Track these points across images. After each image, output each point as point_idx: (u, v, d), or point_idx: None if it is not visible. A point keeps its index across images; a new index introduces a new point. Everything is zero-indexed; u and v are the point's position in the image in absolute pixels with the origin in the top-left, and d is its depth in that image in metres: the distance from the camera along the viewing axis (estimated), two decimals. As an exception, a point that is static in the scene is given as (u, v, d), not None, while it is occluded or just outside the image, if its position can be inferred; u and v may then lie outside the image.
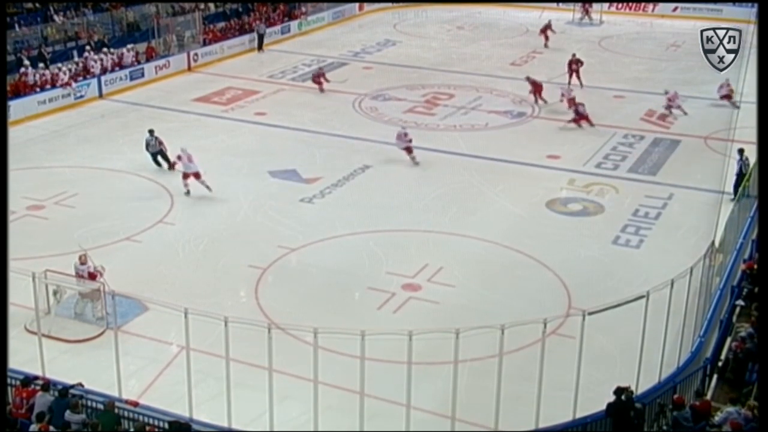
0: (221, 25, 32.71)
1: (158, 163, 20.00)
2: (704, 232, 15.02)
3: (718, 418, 9.68)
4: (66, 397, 10.12)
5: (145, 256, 15.60)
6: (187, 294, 13.48)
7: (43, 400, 10.11)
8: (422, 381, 10.80)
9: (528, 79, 25.90)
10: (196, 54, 30.15)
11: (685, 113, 24.39)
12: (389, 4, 40.34)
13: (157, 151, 19.95)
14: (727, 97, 24.60)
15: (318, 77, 27.04)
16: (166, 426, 9.97)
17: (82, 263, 13.78)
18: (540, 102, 25.57)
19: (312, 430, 10.36)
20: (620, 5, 40.34)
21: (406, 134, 20.77)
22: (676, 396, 10.31)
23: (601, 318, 10.66)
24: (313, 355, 10.13)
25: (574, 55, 27.80)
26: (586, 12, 38.74)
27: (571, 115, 23.64)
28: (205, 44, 30.99)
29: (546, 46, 33.25)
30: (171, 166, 19.71)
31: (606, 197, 18.96)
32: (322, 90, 26.83)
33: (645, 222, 17.57)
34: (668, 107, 24.64)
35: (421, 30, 37.06)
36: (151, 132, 20.03)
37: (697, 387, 11.15)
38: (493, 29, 36.96)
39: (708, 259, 11.98)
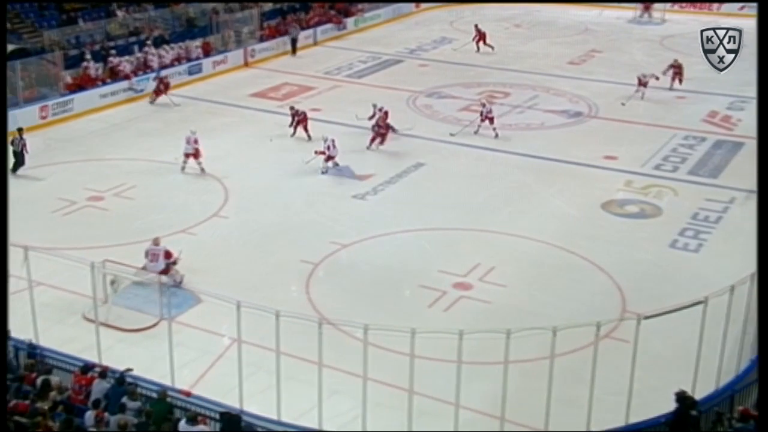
0: (278, 21, 32.96)
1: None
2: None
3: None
4: (123, 384, 10.32)
5: (199, 248, 15.82)
6: (240, 287, 13.62)
7: (99, 387, 10.32)
8: (472, 380, 10.71)
9: (476, 27, 31.27)
10: (253, 50, 30.48)
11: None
12: (445, 3, 40.15)
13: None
14: None
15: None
16: (217, 416, 10.10)
17: (156, 244, 14.11)
18: (482, 48, 30.47)
19: (360, 426, 10.36)
20: (684, 3, 39.41)
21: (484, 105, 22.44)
22: (741, 408, 9.98)
23: (657, 323, 10.43)
24: (363, 352, 10.12)
25: (675, 60, 26.94)
26: (647, 10, 37.98)
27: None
28: (262, 40, 31.30)
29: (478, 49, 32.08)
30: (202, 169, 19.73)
31: (664, 200, 18.56)
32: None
33: (705, 226, 17.14)
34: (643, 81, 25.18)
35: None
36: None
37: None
38: (551, 27, 36.50)
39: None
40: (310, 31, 33.25)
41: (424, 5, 39.82)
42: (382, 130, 21.26)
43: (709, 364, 10.95)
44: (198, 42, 29.21)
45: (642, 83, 25.37)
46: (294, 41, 31.69)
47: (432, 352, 10.94)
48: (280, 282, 14.77)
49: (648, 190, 18.99)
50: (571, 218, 17.64)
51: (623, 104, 24.90)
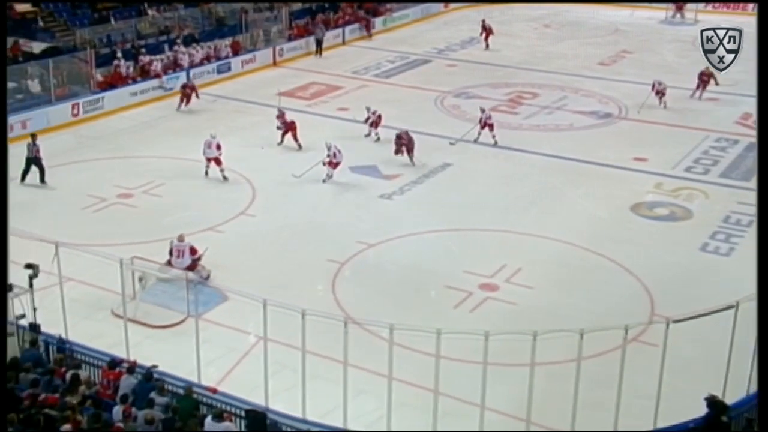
0: (306, 21, 33.07)
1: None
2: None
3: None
4: (150, 380, 10.41)
5: (226, 246, 15.90)
6: (266, 285, 13.67)
7: (127, 383, 10.42)
8: (497, 382, 10.64)
9: (483, 22, 32.10)
10: (281, 49, 30.61)
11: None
12: (474, 3, 40.01)
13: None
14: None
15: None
16: (243, 414, 10.15)
17: (180, 240, 14.24)
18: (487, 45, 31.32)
19: (385, 426, 10.35)
20: (717, 4, 38.85)
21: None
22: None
23: (687, 327, 10.28)
24: (389, 351, 10.11)
25: (707, 67, 26.17)
26: (680, 10, 37.52)
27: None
28: (290, 39, 31.43)
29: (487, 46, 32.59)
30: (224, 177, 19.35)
31: (695, 202, 18.33)
32: None
33: (736, 229, 16.89)
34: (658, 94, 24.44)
35: (507, 28, 36.55)
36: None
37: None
38: (581, 27, 36.20)
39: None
40: (338, 31, 33.32)
41: (452, 5, 39.72)
42: (403, 141, 20.19)
43: (739, 370, 10.77)
44: (227, 41, 29.41)
45: (658, 91, 24.51)
46: (319, 42, 31.58)
47: (457, 353, 10.90)
48: (306, 281, 14.80)
49: (678, 193, 18.76)
50: (600, 220, 17.48)
51: (638, 112, 24.20)
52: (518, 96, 26.39)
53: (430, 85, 27.38)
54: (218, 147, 19.20)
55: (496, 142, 21.54)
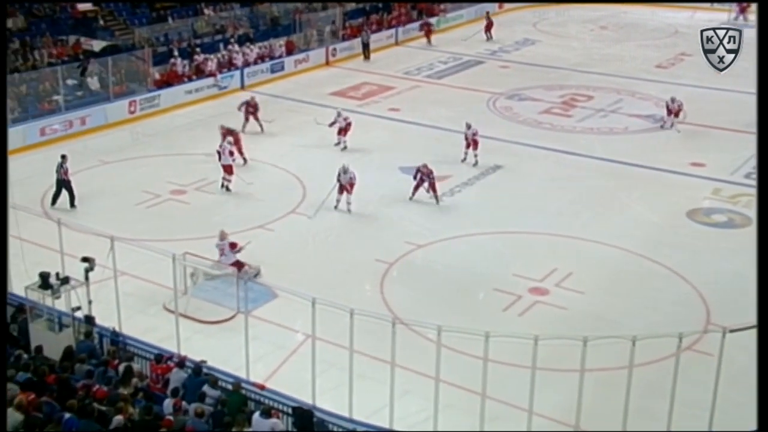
0: (360, 20, 33.17)
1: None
2: None
3: None
4: (200, 375, 10.54)
5: (276, 244, 16.03)
6: (315, 284, 13.72)
7: (177, 376, 10.56)
8: (545, 387, 10.49)
9: (487, 14, 33.09)
10: (334, 49, 30.77)
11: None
12: (530, 2, 39.66)
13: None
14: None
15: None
16: (290, 411, 10.19)
17: (221, 239, 14.38)
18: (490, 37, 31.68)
19: (432, 426, 10.29)
20: (782, 5, 37.73)
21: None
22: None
23: (743, 337, 9.98)
24: (436, 353, 10.05)
25: (672, 100, 23.56)
26: (743, 12, 36.57)
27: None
28: (343, 39, 31.56)
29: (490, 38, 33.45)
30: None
31: (754, 209, 17.80)
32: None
33: (797, 238, 16.36)
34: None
35: (562, 29, 36.22)
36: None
37: None
38: (639, 30, 35.62)
39: None
40: (391, 31, 33.34)
41: (507, 5, 39.39)
42: (424, 176, 17.99)
43: (798, 383, 10.43)
44: (281, 41, 29.67)
45: (672, 112, 22.73)
46: (366, 45, 31.25)
47: (506, 356, 10.80)
48: (355, 280, 14.83)
49: (737, 199, 18.29)
50: (654, 226, 17.14)
51: (661, 126, 22.97)
52: (572, 98, 26.05)
53: (482, 87, 27.21)
54: (231, 154, 18.72)
55: (476, 162, 19.98)
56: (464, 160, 20.22)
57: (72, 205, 17.49)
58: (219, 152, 18.77)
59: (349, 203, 17.55)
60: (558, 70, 29.44)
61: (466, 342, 10.22)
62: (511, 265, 15.31)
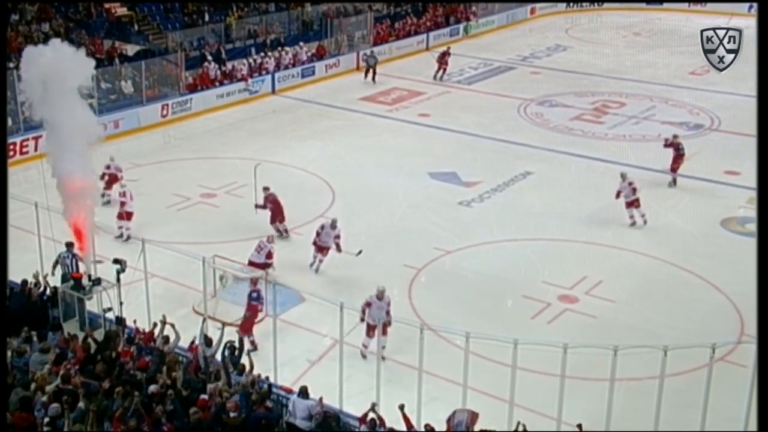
0: (391, 26, 33.19)
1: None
2: None
3: None
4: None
5: (304, 248, 16.03)
6: (343, 289, 13.74)
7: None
8: (574, 396, 10.38)
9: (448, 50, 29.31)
10: (365, 54, 30.80)
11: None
12: (562, 8, 39.43)
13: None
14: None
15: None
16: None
17: (269, 242, 14.44)
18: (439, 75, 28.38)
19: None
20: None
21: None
22: None
23: (779, 348, 9.80)
24: (464, 360, 10.00)
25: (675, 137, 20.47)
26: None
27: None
28: (374, 45, 31.61)
29: (440, 77, 28.52)
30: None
31: (789, 218, 17.48)
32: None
33: (834, 248, 16.03)
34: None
35: (595, 35, 35.93)
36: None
37: None
38: (673, 36, 35.18)
39: None
40: (422, 36, 33.33)
41: (539, 11, 39.21)
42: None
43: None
44: (312, 45, 29.78)
45: (669, 144, 19.62)
46: (371, 69, 28.61)
47: (534, 364, 10.70)
48: (382, 285, 14.76)
49: (772, 209, 17.94)
50: (687, 234, 16.90)
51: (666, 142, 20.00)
52: (604, 105, 25.82)
53: (513, 93, 27.08)
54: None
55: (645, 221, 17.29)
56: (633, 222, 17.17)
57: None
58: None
59: (320, 261, 15.08)
60: (590, 76, 29.21)
61: (494, 349, 10.14)
62: (541, 272, 15.18)
